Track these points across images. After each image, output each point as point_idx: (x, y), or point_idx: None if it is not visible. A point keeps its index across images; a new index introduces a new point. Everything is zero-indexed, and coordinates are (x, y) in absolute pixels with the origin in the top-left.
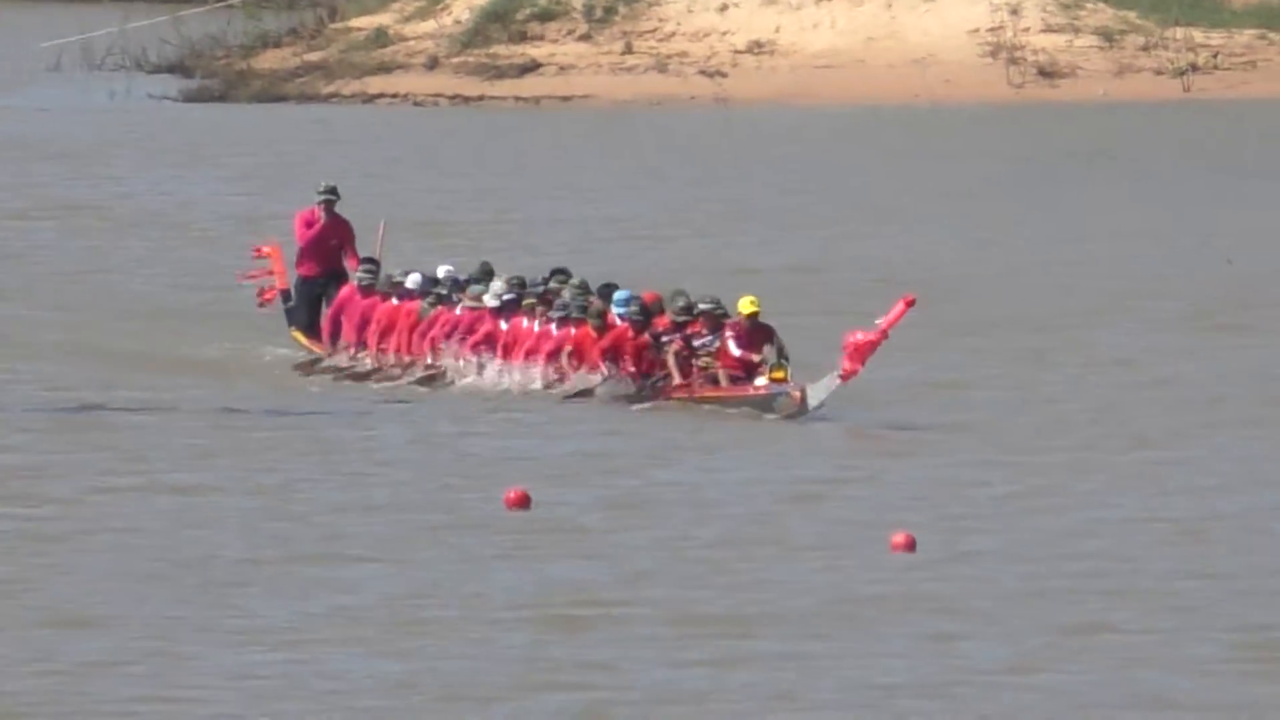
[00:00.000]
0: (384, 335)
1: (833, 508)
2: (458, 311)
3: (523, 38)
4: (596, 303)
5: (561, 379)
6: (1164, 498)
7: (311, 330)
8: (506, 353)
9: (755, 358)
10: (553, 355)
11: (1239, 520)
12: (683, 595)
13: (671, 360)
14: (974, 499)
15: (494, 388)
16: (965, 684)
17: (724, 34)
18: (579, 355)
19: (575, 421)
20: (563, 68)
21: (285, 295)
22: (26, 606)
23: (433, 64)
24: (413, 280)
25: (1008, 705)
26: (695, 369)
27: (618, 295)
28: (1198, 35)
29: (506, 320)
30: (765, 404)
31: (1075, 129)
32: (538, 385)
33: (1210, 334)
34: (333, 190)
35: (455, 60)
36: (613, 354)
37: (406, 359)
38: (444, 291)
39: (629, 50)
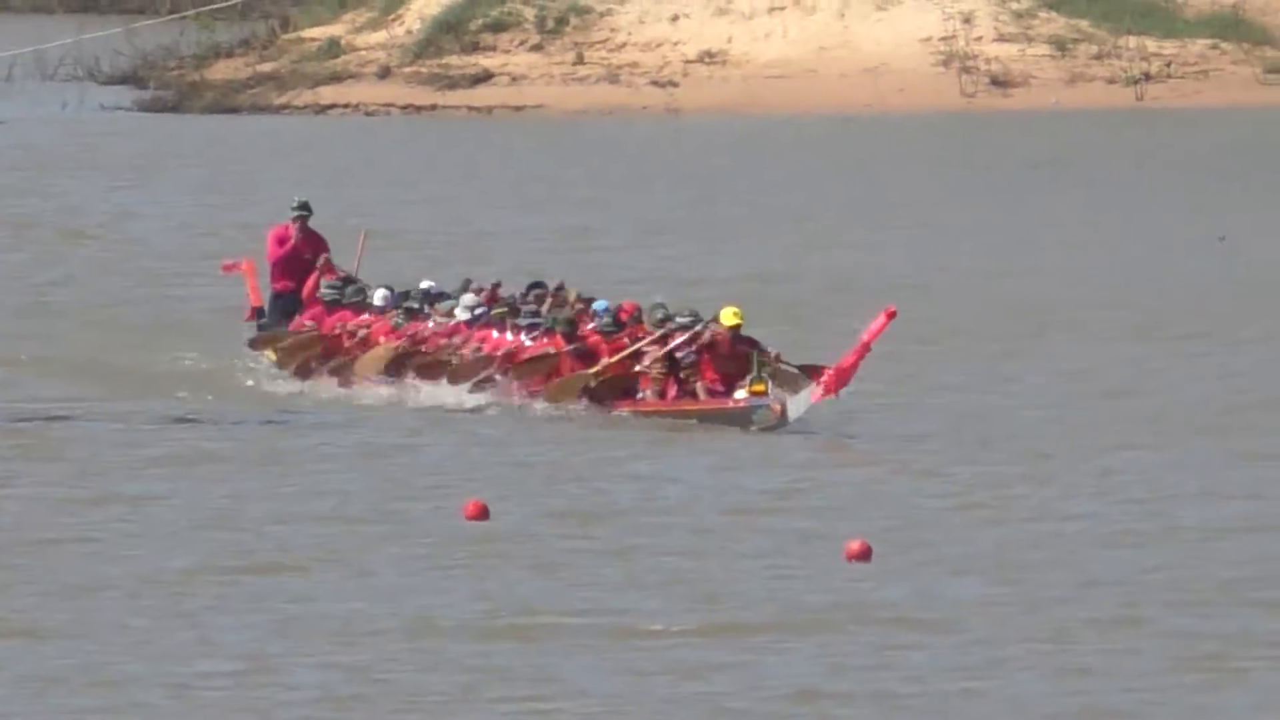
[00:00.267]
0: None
1: (787, 517)
2: (430, 325)
3: (475, 48)
4: (565, 310)
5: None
6: (1117, 506)
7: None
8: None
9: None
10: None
11: (1191, 530)
12: (637, 606)
13: (651, 370)
14: (929, 508)
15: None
16: (920, 695)
17: (675, 44)
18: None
19: (531, 432)
20: (514, 78)
21: (259, 313)
22: None
23: (385, 74)
24: (380, 296)
25: (961, 715)
26: (674, 380)
27: (596, 305)
28: (1150, 44)
29: (479, 332)
30: (744, 417)
31: (1028, 138)
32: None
33: (1162, 343)
34: (305, 206)
35: (407, 70)
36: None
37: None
38: (415, 305)
39: (581, 61)
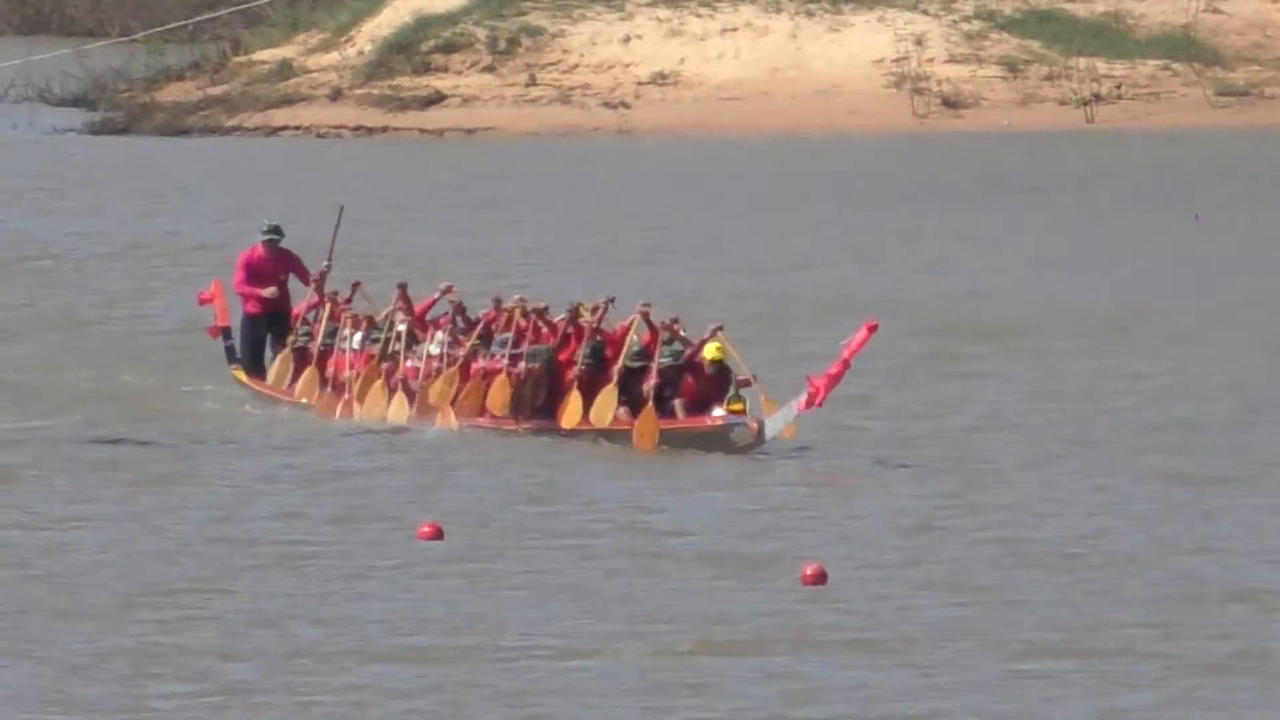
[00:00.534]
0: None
1: (742, 539)
2: (409, 363)
3: (426, 69)
4: (543, 346)
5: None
6: (1070, 527)
7: (254, 368)
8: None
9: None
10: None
11: (1137, 552)
12: (590, 628)
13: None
14: (883, 529)
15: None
16: (875, 716)
17: (627, 65)
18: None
19: (487, 453)
20: (466, 99)
21: (225, 333)
22: None
23: (336, 96)
24: (357, 341)
25: None
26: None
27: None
28: (1101, 66)
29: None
30: (722, 435)
31: (978, 159)
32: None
33: (1115, 360)
34: (276, 229)
35: (359, 92)
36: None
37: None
38: (381, 337)
39: (533, 82)
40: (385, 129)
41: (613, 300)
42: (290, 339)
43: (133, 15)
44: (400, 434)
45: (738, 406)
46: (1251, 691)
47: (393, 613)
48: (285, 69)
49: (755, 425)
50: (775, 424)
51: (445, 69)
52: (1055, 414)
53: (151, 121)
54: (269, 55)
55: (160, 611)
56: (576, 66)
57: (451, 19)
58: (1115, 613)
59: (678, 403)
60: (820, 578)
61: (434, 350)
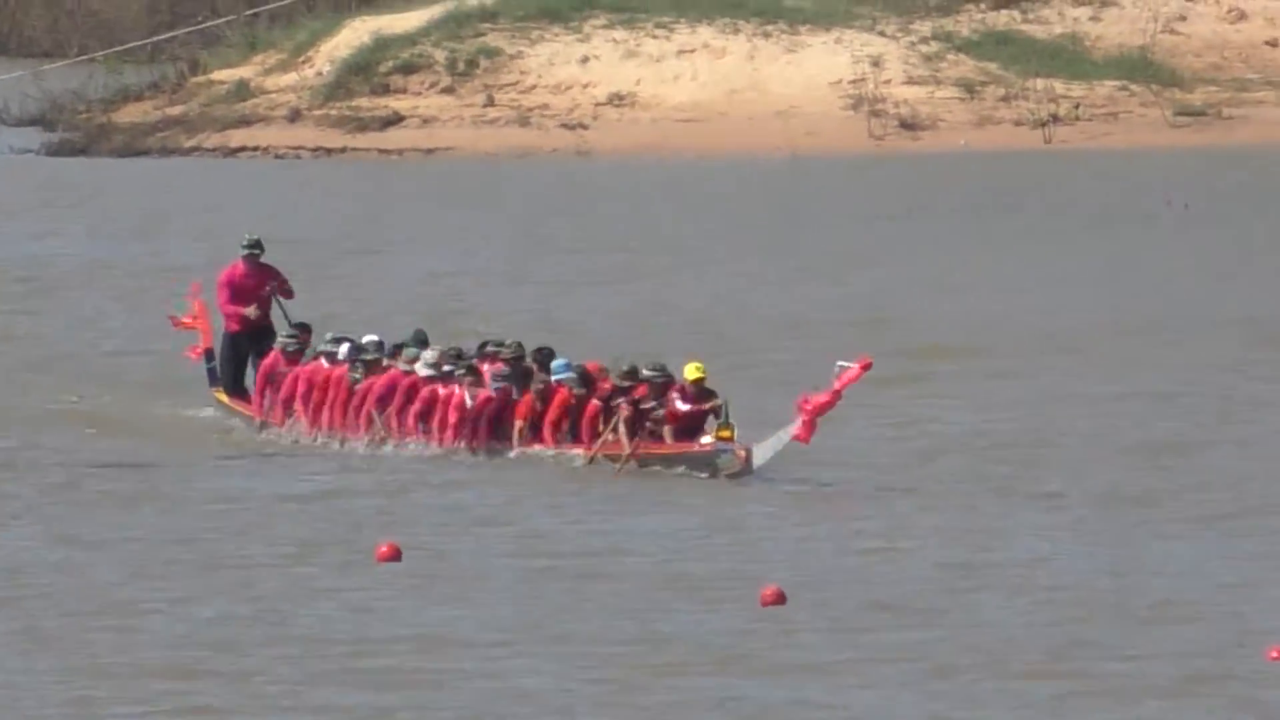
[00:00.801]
0: (316, 406)
1: (702, 561)
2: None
3: (385, 90)
4: (540, 373)
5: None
6: (1022, 549)
7: (236, 388)
8: (443, 422)
9: (705, 406)
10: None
11: (1092, 573)
12: (548, 650)
13: (622, 428)
14: (841, 551)
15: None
16: None
17: (585, 86)
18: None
19: (447, 475)
20: (425, 120)
21: (209, 355)
22: None
23: (294, 116)
24: (343, 351)
25: None
26: (644, 432)
27: (556, 363)
28: (1059, 86)
29: (442, 389)
30: (709, 461)
31: (936, 180)
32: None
33: (1065, 378)
34: (256, 244)
35: (317, 113)
36: (559, 422)
37: (342, 433)
38: (369, 357)
39: (491, 103)
40: (344, 149)
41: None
42: (280, 341)
43: (91, 35)
44: (362, 455)
45: (726, 434)
46: (1210, 714)
47: (350, 634)
48: (243, 89)
49: (743, 453)
50: (765, 452)
51: (404, 90)
52: (1009, 434)
53: (109, 142)
54: (227, 75)
55: (117, 633)
56: (534, 87)
57: (410, 40)
58: (1073, 633)
59: (666, 429)
60: (779, 599)
61: (423, 372)
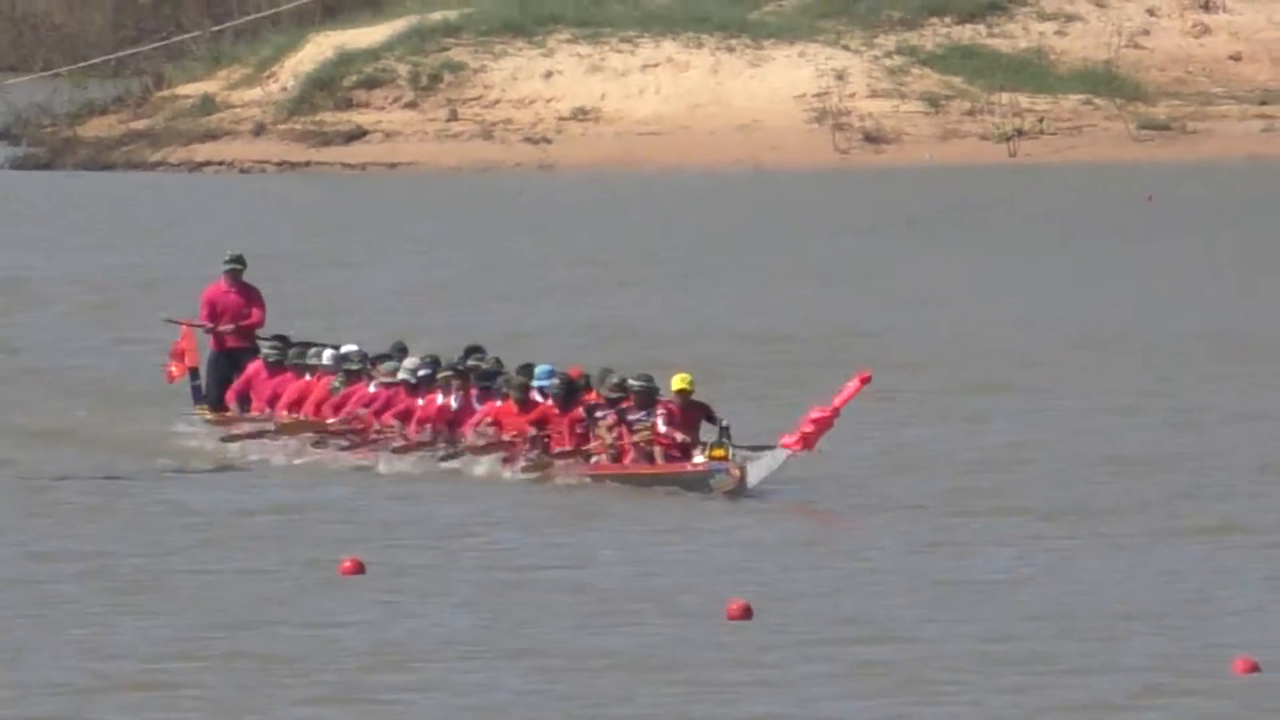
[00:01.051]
0: (294, 411)
1: (668, 574)
2: (371, 388)
3: (349, 104)
4: (516, 376)
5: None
6: (986, 562)
7: (220, 406)
8: (420, 428)
9: (679, 437)
10: (474, 427)
11: (1062, 591)
12: (512, 664)
13: (605, 434)
14: (808, 565)
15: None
16: None
17: (549, 101)
18: (501, 430)
19: (413, 486)
20: (388, 134)
21: (194, 373)
22: None
23: (259, 130)
24: (327, 356)
25: None
26: (630, 444)
27: (540, 369)
28: (1023, 100)
29: (421, 396)
30: (702, 481)
31: (900, 194)
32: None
33: (1029, 396)
34: (238, 259)
35: (282, 127)
36: (540, 428)
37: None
38: (355, 367)
39: (454, 117)
40: (308, 164)
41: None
42: (263, 354)
43: (55, 50)
44: (329, 467)
45: (719, 453)
46: None
47: (313, 647)
48: (208, 104)
49: (737, 472)
50: (759, 471)
51: (367, 104)
52: (977, 448)
53: (75, 156)
54: (192, 90)
55: (80, 646)
56: (498, 102)
57: (373, 54)
58: (1040, 647)
59: (657, 450)
60: (745, 613)
61: (404, 377)
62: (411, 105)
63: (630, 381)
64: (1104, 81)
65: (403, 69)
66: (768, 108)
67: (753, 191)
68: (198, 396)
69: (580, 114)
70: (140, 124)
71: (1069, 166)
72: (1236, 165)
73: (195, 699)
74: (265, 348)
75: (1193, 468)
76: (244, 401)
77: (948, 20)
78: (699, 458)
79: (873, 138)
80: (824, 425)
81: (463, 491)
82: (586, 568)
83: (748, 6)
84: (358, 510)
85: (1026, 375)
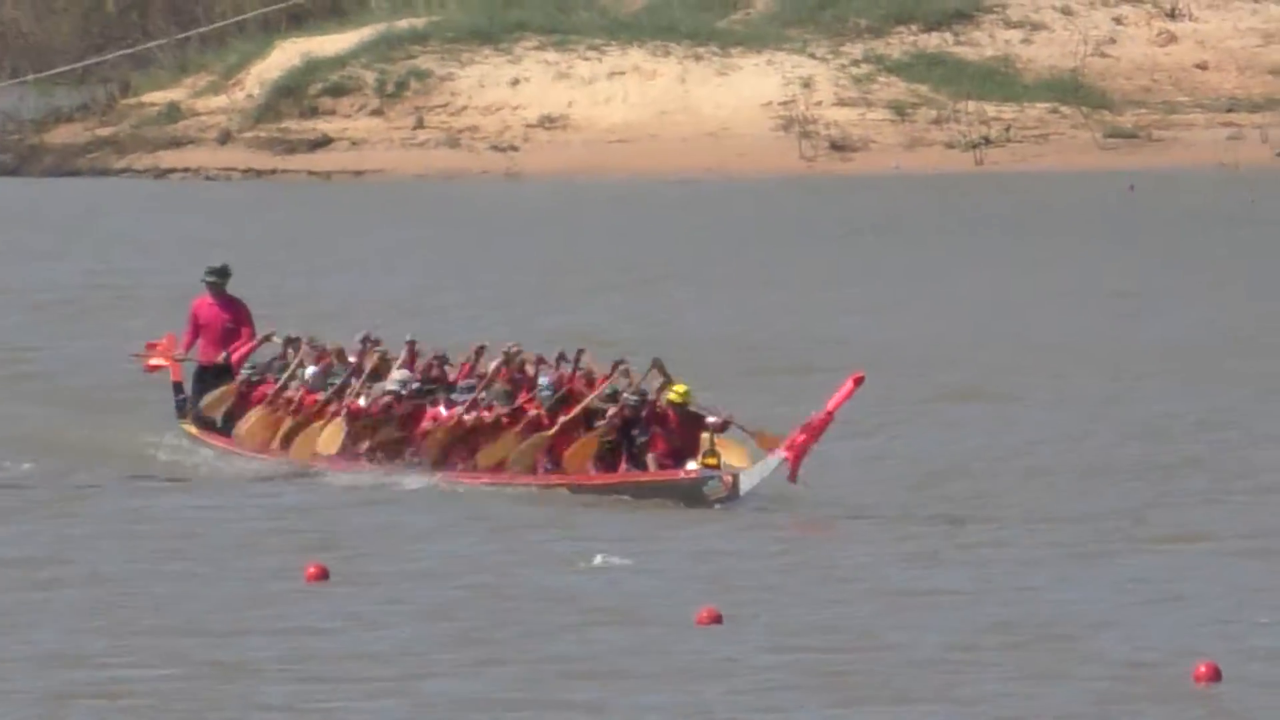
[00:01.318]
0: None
1: (637, 580)
2: (362, 402)
3: (315, 112)
4: (499, 384)
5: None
6: (953, 574)
7: (205, 420)
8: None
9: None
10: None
11: (1025, 600)
12: (482, 672)
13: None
14: (778, 572)
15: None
16: None
17: (516, 108)
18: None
19: (380, 494)
20: (354, 142)
21: (178, 387)
22: None
23: (225, 138)
24: (309, 373)
25: None
26: (627, 456)
27: (542, 380)
28: (990, 109)
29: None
30: (695, 489)
31: (867, 202)
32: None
33: (991, 404)
34: (219, 271)
35: (248, 135)
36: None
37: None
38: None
39: (421, 125)
40: (274, 171)
41: (583, 351)
42: (241, 374)
43: (22, 57)
44: (296, 474)
45: (712, 461)
46: None
47: (277, 653)
48: (174, 111)
49: (729, 479)
50: (752, 478)
51: (333, 112)
52: (943, 458)
53: (40, 163)
54: (158, 97)
55: (39, 652)
56: (464, 109)
57: (339, 62)
58: (1004, 656)
59: (650, 456)
60: (714, 619)
61: (393, 388)
62: (378, 113)
63: (625, 396)
64: (1070, 90)
65: (369, 76)
66: (735, 116)
67: (720, 199)
68: (181, 411)
69: (547, 122)
70: (106, 131)
71: (1035, 175)
72: (1203, 173)
73: (154, 708)
74: (244, 369)
75: (1156, 476)
76: (228, 419)
77: (914, 28)
78: (691, 464)
79: (839, 145)
80: (819, 430)
81: (431, 500)
82: (555, 575)
83: (715, 15)
84: (326, 517)
85: (992, 383)
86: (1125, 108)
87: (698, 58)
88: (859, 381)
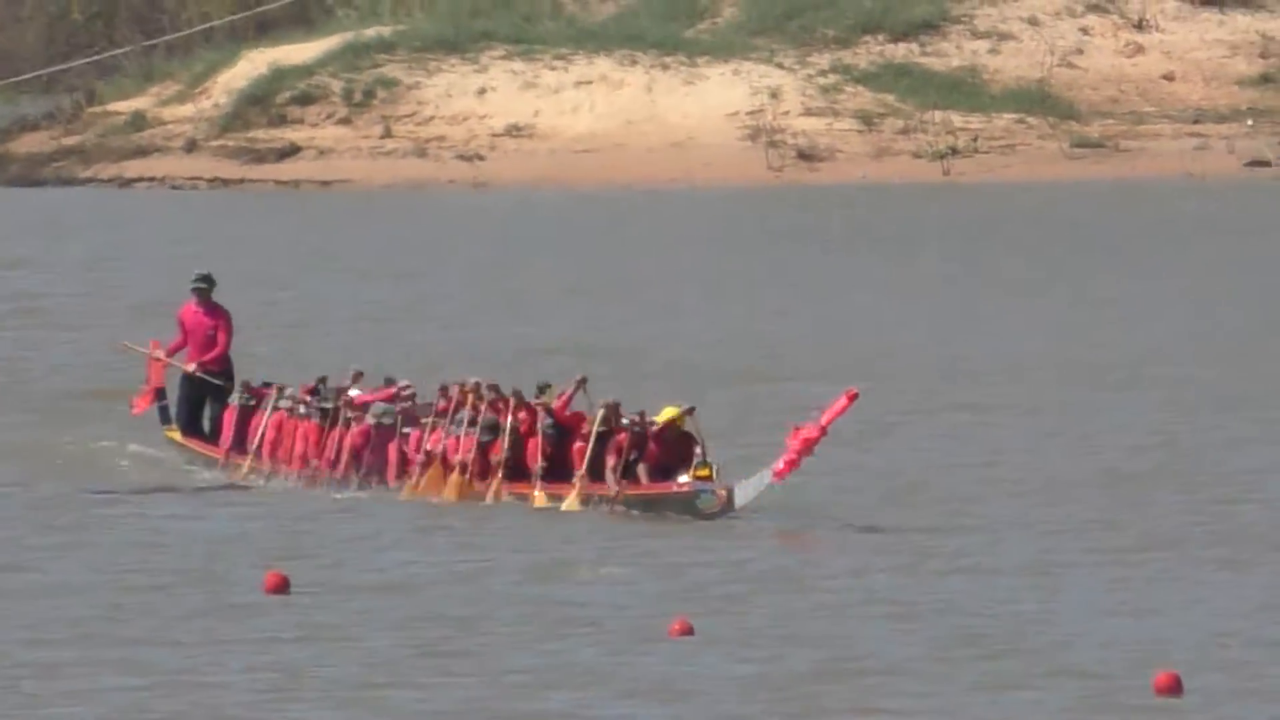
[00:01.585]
0: (278, 449)
1: (611, 591)
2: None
3: (282, 121)
4: (489, 415)
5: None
6: (932, 583)
7: (193, 428)
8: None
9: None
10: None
11: (998, 612)
12: (450, 685)
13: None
14: (749, 583)
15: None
16: None
17: (483, 117)
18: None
19: (344, 508)
20: (322, 151)
21: (160, 394)
22: None
23: (191, 147)
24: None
25: None
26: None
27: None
28: (957, 119)
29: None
30: (689, 502)
31: (832, 211)
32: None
33: (953, 416)
34: (204, 279)
35: (214, 143)
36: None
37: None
38: (328, 406)
39: (388, 134)
40: (241, 181)
41: (584, 380)
42: (233, 397)
43: None
44: (261, 488)
45: (705, 473)
46: None
47: (239, 664)
48: (140, 120)
49: (723, 493)
50: (746, 492)
51: (301, 121)
52: (914, 468)
53: (5, 172)
54: (123, 106)
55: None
56: (431, 119)
57: (307, 70)
58: (976, 667)
59: (641, 468)
60: (686, 631)
61: (370, 421)
62: (345, 122)
63: (624, 420)
64: (1037, 100)
65: (336, 85)
66: (702, 125)
67: (686, 209)
68: (165, 418)
69: (514, 131)
70: (72, 140)
71: (1002, 185)
72: (1169, 183)
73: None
74: (238, 395)
75: (1126, 488)
76: (215, 433)
77: (881, 39)
78: (684, 477)
79: (806, 155)
80: (811, 444)
81: (401, 511)
82: (527, 585)
83: (682, 24)
84: (291, 529)
85: (961, 395)
86: (1092, 118)
87: (664, 67)
88: (853, 397)
